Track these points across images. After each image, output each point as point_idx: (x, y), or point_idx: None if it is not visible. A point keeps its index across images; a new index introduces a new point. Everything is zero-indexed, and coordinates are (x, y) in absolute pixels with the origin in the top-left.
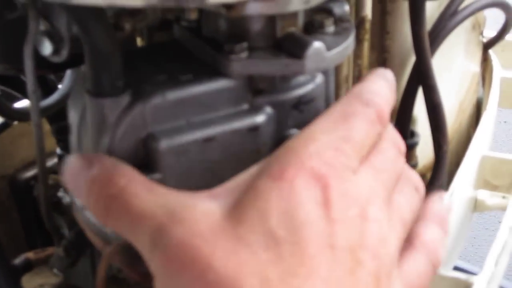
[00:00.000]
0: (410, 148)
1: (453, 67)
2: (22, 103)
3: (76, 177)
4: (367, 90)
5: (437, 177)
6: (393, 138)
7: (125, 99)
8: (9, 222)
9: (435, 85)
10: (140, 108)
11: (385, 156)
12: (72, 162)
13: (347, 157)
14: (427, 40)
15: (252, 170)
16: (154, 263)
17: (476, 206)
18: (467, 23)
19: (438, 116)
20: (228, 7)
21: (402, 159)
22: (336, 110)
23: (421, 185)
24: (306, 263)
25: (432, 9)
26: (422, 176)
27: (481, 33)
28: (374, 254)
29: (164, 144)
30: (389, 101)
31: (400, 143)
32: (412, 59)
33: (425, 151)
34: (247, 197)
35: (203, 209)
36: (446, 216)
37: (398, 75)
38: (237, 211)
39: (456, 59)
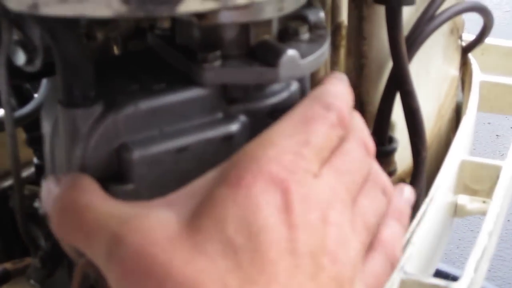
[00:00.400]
0: (389, 154)
1: (431, 72)
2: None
3: (47, 198)
4: (326, 93)
5: (416, 184)
6: (360, 138)
7: (97, 109)
8: None
9: (413, 90)
10: (112, 118)
11: (349, 158)
12: (45, 185)
13: (306, 161)
14: (404, 46)
15: (210, 175)
16: (111, 276)
17: (457, 211)
18: (445, 27)
19: (416, 122)
20: (200, 16)
21: (369, 160)
22: (296, 114)
23: (389, 188)
24: (265, 270)
25: (409, 14)
26: (401, 181)
27: (460, 37)
28: (335, 259)
29: (136, 154)
30: (349, 103)
31: (368, 144)
32: (390, 64)
33: (403, 156)
34: (204, 205)
35: (158, 217)
36: (406, 209)
37: (375, 81)
38: (194, 219)
39: (434, 63)
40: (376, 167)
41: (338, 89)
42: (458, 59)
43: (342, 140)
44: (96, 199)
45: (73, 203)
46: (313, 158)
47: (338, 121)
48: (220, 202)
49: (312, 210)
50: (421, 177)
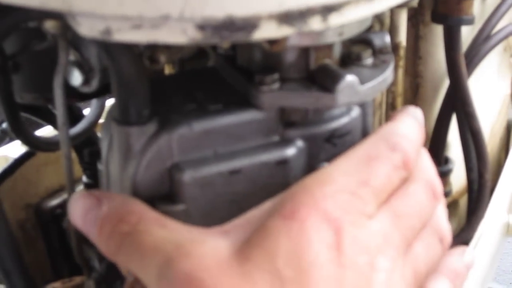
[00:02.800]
0: (445, 175)
1: (485, 90)
2: (44, 131)
3: (85, 215)
4: (395, 132)
5: (479, 207)
6: (427, 181)
7: (151, 127)
8: (35, 251)
9: (474, 111)
10: (166, 138)
11: (410, 201)
12: (80, 200)
13: (363, 202)
14: (463, 66)
15: (265, 206)
16: None
17: (508, 230)
18: (499, 45)
19: (479, 144)
20: (272, 42)
21: (433, 205)
22: (360, 151)
23: (447, 237)
24: None
25: (465, 33)
26: (455, 202)
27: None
28: None
29: (188, 175)
30: (417, 144)
31: (435, 187)
32: (445, 84)
33: (457, 176)
34: (257, 235)
35: (211, 245)
36: (463, 272)
37: (431, 100)
38: (245, 248)
39: (489, 81)
40: (439, 212)
41: (408, 128)
42: (510, 76)
43: (404, 182)
44: (154, 224)
45: (132, 228)
46: (370, 200)
47: (403, 163)
48: (272, 233)
49: (361, 253)
50: (484, 201)
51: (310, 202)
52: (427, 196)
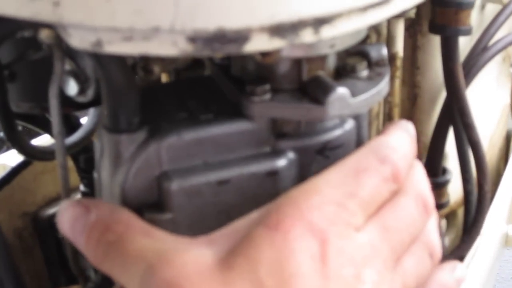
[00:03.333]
0: (442, 186)
1: (484, 100)
2: (41, 140)
3: (73, 224)
4: (385, 145)
5: (479, 218)
6: (418, 195)
7: (141, 135)
8: (32, 259)
9: (473, 122)
10: (155, 146)
11: (400, 214)
12: (69, 209)
13: (350, 213)
14: (461, 76)
15: (252, 216)
16: None
17: (507, 241)
18: (498, 55)
19: (478, 155)
20: (264, 53)
21: (423, 218)
22: (349, 163)
23: (437, 252)
24: None
25: (463, 44)
26: (453, 212)
27: (511, 64)
28: None
29: (176, 184)
30: (408, 157)
31: (426, 200)
32: (443, 94)
33: (455, 187)
34: (241, 244)
35: (194, 253)
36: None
37: (428, 111)
38: (228, 257)
39: (488, 91)
40: (430, 226)
41: (398, 141)
42: (509, 86)
43: (394, 195)
44: (140, 234)
45: (120, 237)
46: (357, 211)
47: (392, 176)
48: (256, 243)
49: (347, 265)
50: (484, 212)
51: (295, 213)
52: (418, 210)
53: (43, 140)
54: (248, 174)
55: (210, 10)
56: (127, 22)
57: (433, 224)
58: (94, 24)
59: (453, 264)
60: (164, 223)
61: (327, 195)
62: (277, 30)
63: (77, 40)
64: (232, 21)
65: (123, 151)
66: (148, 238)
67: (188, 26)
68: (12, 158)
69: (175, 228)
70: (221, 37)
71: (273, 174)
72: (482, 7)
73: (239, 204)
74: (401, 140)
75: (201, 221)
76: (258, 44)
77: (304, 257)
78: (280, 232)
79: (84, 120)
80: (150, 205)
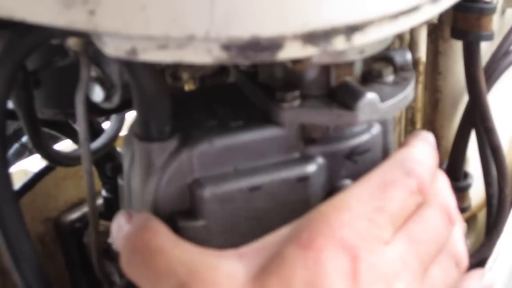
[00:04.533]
0: (464, 190)
1: (503, 104)
2: (62, 145)
3: (118, 232)
4: (410, 157)
5: (499, 221)
6: (442, 206)
7: (172, 144)
8: (54, 264)
9: (494, 127)
10: (187, 154)
11: (426, 226)
12: (117, 218)
13: (379, 228)
14: (483, 81)
15: (282, 231)
16: None
17: None
18: None
19: (499, 159)
20: (295, 60)
21: (449, 229)
22: (375, 177)
23: (464, 260)
24: None
25: (484, 48)
26: (473, 216)
27: None
28: None
29: (208, 191)
30: (431, 169)
31: (450, 211)
32: (465, 99)
33: (476, 191)
34: (273, 262)
35: (226, 270)
36: None
37: (450, 116)
38: (261, 275)
39: (507, 95)
40: (455, 235)
41: (421, 153)
42: None
43: (419, 207)
44: (167, 242)
45: (145, 245)
46: (386, 226)
47: (418, 188)
48: (289, 262)
49: (378, 280)
50: (505, 215)
51: (326, 230)
52: (442, 221)
53: (62, 146)
54: (279, 180)
55: (245, 18)
56: (162, 31)
57: (458, 233)
58: (129, 32)
59: (481, 272)
60: (197, 230)
61: (357, 210)
62: (310, 37)
63: (112, 49)
64: (266, 29)
65: (155, 159)
66: (176, 248)
67: (222, 34)
68: (33, 163)
69: (207, 234)
70: (255, 45)
71: (304, 179)
72: (503, 12)
73: (270, 210)
74: (424, 151)
75: (233, 227)
76: (291, 51)
77: (336, 277)
78: (313, 251)
79: (105, 125)
80: (182, 212)
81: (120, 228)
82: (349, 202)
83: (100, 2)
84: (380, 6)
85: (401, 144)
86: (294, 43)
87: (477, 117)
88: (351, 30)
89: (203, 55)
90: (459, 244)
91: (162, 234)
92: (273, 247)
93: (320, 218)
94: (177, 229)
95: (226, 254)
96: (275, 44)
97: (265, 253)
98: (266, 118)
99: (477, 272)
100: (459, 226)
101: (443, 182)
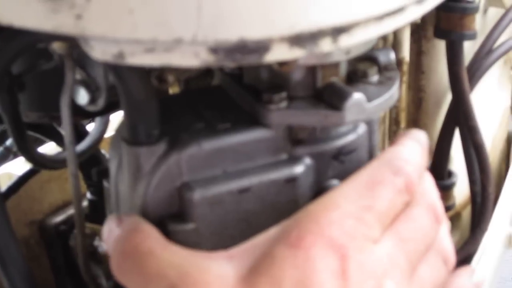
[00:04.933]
0: (448, 188)
1: (486, 102)
2: (44, 148)
3: (108, 236)
4: (398, 156)
5: (483, 220)
6: (429, 205)
7: (160, 147)
8: (39, 268)
9: (477, 125)
10: (175, 157)
11: (414, 225)
12: (107, 223)
13: (368, 227)
14: (466, 81)
15: (271, 232)
16: None
17: (511, 242)
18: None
19: (482, 157)
20: (282, 63)
21: (436, 227)
22: (363, 176)
23: (451, 258)
24: None
25: (466, 48)
26: (457, 214)
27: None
28: None
29: (198, 194)
30: (420, 168)
31: (437, 210)
32: (448, 98)
33: (460, 189)
34: (263, 263)
35: (216, 272)
36: None
37: (434, 115)
38: (251, 276)
39: (489, 94)
40: (442, 233)
41: (410, 152)
42: (510, 88)
43: (407, 206)
44: (157, 245)
45: (135, 248)
46: (374, 224)
47: (406, 187)
48: (278, 262)
49: (367, 278)
50: (488, 214)
51: (315, 229)
52: (430, 220)
53: (46, 149)
54: (268, 182)
55: (232, 21)
56: (149, 34)
57: (444, 231)
58: (117, 36)
59: (470, 270)
60: (187, 233)
61: (345, 209)
62: (297, 40)
63: (99, 52)
64: (253, 32)
65: (144, 163)
66: (166, 251)
67: (210, 37)
68: (18, 167)
69: (197, 237)
70: (242, 48)
71: (292, 180)
72: (485, 11)
73: (259, 212)
74: (413, 150)
75: (223, 229)
76: (278, 54)
77: (326, 276)
78: (302, 250)
79: (89, 127)
80: (172, 216)
81: (111, 232)
82: (338, 201)
83: (87, 6)
84: (366, 7)
85: (391, 143)
86: (281, 46)
87: (460, 116)
88: (337, 32)
89: (191, 58)
90: (446, 242)
91: (152, 237)
92: (263, 247)
93: (308, 217)
94: (167, 233)
95: (216, 256)
96: (262, 46)
97: (254, 254)
98: (253, 120)
99: (465, 270)
100: (445, 225)
101: (429, 181)
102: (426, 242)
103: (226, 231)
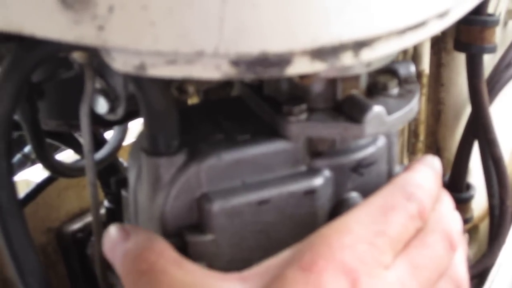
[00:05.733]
0: (466, 201)
1: (505, 116)
2: (62, 156)
3: (113, 248)
4: (411, 182)
5: (501, 233)
6: (445, 231)
7: (180, 158)
8: (56, 275)
9: (496, 138)
10: (195, 169)
11: (427, 251)
12: (112, 233)
13: (380, 252)
14: (486, 93)
15: (284, 254)
16: None
17: None
18: None
19: (500, 171)
20: (303, 75)
21: (451, 254)
22: (376, 201)
23: (464, 285)
24: None
25: (486, 60)
26: (475, 227)
27: None
28: None
29: (217, 205)
30: (432, 193)
31: (452, 236)
32: (467, 110)
33: (477, 201)
34: (274, 284)
35: None
36: None
37: (453, 127)
38: None
39: (509, 107)
40: (457, 260)
41: (423, 178)
42: None
43: (420, 232)
44: (171, 263)
45: (150, 266)
46: (387, 250)
47: (418, 213)
48: (290, 284)
49: None
50: (506, 227)
51: (327, 253)
52: (444, 246)
53: (63, 157)
54: (287, 194)
55: (254, 34)
56: (171, 46)
57: (460, 257)
58: (138, 48)
59: None
60: (206, 244)
61: (358, 234)
62: (319, 53)
63: (121, 64)
64: (274, 45)
65: (163, 174)
66: (180, 270)
67: (231, 50)
68: (35, 174)
69: (216, 249)
70: (264, 61)
71: (311, 192)
72: (505, 23)
73: (278, 223)
74: (426, 176)
75: (241, 241)
76: (299, 67)
77: None
78: (314, 274)
79: (108, 135)
80: (191, 227)
81: (116, 245)
82: (350, 226)
83: (109, 17)
84: (388, 22)
85: (405, 168)
86: (302, 59)
87: (479, 129)
88: (359, 46)
89: (212, 71)
90: (461, 269)
91: (166, 255)
92: (275, 269)
93: (321, 241)
94: (185, 244)
95: (229, 277)
96: (284, 60)
97: (267, 276)
98: (273, 132)
99: None
100: (462, 250)
101: (447, 206)
102: (439, 269)
103: (245, 243)
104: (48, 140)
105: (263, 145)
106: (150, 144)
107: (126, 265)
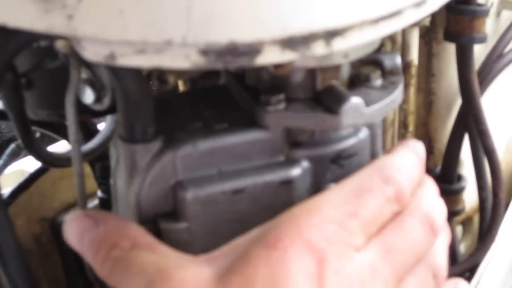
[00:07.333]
0: (458, 193)
1: (499, 106)
2: (59, 146)
3: (81, 236)
4: (390, 165)
5: (493, 225)
6: (425, 216)
7: (156, 145)
8: (50, 264)
9: (488, 129)
10: (170, 156)
11: (404, 235)
12: (77, 221)
13: (350, 234)
14: (476, 84)
15: (252, 234)
16: None
17: None
18: None
19: (493, 162)
20: (277, 65)
21: (431, 239)
22: (352, 183)
23: (442, 272)
24: None
25: (478, 51)
26: (469, 218)
27: None
28: None
29: (191, 193)
30: (413, 178)
31: (433, 221)
32: (458, 101)
33: (471, 193)
34: (238, 262)
35: (194, 270)
36: None
37: (444, 118)
38: (226, 275)
39: (502, 97)
40: (437, 246)
41: (404, 161)
42: None
43: (397, 216)
44: (146, 250)
45: (126, 253)
46: (358, 232)
47: (396, 196)
48: (253, 261)
49: (344, 285)
50: (499, 219)
51: (294, 231)
52: (423, 231)
53: (60, 147)
54: (263, 183)
55: (222, 23)
56: (140, 36)
57: (441, 244)
58: (107, 37)
59: (456, 281)
60: (180, 232)
61: (328, 214)
62: (289, 43)
63: (91, 53)
64: (243, 35)
65: (139, 160)
66: (153, 254)
67: (200, 39)
68: (30, 163)
69: (190, 237)
70: (233, 50)
71: (287, 183)
72: (498, 14)
73: (253, 213)
74: (407, 160)
75: (216, 230)
76: (269, 56)
77: (300, 277)
78: (278, 251)
79: (101, 126)
80: (165, 214)
81: (82, 232)
82: (321, 206)
83: (78, 6)
84: (360, 11)
85: (386, 151)
86: (272, 48)
87: (470, 120)
88: (330, 35)
89: (181, 60)
90: (439, 255)
91: (141, 242)
92: (241, 248)
93: (289, 220)
94: (159, 231)
95: (198, 258)
96: (253, 49)
97: (233, 255)
98: (251, 121)
99: (452, 281)
100: (444, 237)
101: (429, 190)
102: (416, 253)
103: (219, 231)
104: (41, 130)
105: (240, 134)
106: (126, 131)
107: (100, 254)
